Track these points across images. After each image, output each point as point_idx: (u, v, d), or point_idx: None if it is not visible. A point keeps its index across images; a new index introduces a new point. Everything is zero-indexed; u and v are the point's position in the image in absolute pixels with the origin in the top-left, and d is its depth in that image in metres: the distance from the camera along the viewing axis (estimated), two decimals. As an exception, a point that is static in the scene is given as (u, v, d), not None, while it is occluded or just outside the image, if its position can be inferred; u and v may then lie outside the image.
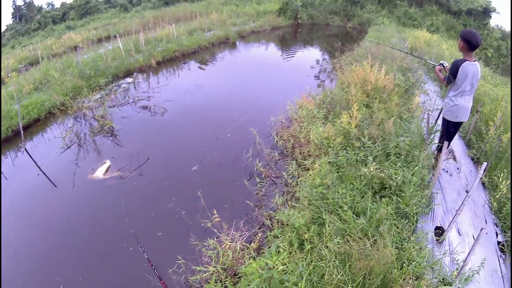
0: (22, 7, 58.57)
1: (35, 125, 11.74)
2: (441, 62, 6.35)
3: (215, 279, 4.85)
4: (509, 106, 8.25)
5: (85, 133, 10.69)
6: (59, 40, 29.72)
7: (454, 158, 7.21)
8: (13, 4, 57.28)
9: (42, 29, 50.65)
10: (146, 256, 4.83)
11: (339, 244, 4.41)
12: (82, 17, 53.18)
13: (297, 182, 6.98)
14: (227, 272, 5.13)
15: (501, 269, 4.49)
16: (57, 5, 58.93)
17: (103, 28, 37.48)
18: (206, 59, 20.98)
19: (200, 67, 19.34)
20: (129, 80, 16.13)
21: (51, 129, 11.39)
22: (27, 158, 9.44)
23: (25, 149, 9.91)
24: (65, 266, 5.92)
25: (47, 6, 60.07)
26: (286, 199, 6.67)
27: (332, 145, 7.18)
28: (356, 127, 7.46)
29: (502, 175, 6.05)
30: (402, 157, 6.17)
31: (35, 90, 13.72)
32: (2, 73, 17.35)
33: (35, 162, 9.13)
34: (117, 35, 22.05)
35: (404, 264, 4.06)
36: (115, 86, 15.10)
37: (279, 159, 8.49)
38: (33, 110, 11.85)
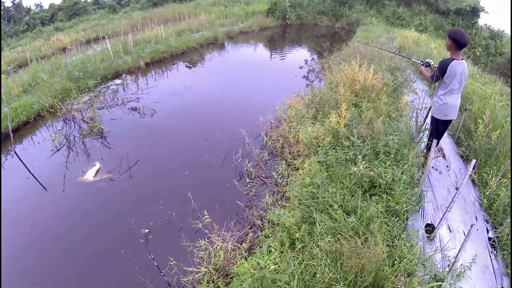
0: (11, 8, 58.12)
1: (24, 128, 11.64)
2: (426, 60, 6.39)
3: (207, 280, 4.84)
4: (497, 104, 8.32)
5: (74, 136, 10.62)
6: (47, 41, 29.44)
7: (444, 156, 7.26)
8: (1, 6, 56.84)
9: (30, 30, 50.23)
10: (156, 263, 4.81)
11: (330, 242, 4.42)
12: (71, 18, 52.80)
13: (287, 181, 6.99)
14: (219, 272, 5.12)
15: (492, 265, 4.53)
16: (46, 6, 58.58)
17: (91, 29, 37.22)
18: (195, 60, 20.96)
19: (188, 68, 19.31)
20: (118, 81, 16.05)
21: (41, 132, 11.31)
22: (16, 161, 9.36)
23: (15, 152, 9.82)
24: (56, 270, 5.88)
25: (35, 7, 59.65)
26: (276, 198, 6.68)
27: (321, 145, 7.20)
28: (345, 126, 7.49)
29: (491, 172, 6.10)
30: (392, 155, 6.20)
31: (24, 93, 13.62)
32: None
33: (25, 165, 9.05)
34: (106, 37, 21.94)
35: (396, 262, 4.08)
36: (104, 87, 15.02)
37: (269, 159, 8.49)
38: (22, 113, 11.75)
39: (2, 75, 15.89)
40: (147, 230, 6.44)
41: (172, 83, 16.21)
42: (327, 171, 6.31)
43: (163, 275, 4.68)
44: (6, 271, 5.80)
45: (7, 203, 7.60)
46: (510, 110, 8.14)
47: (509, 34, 30.32)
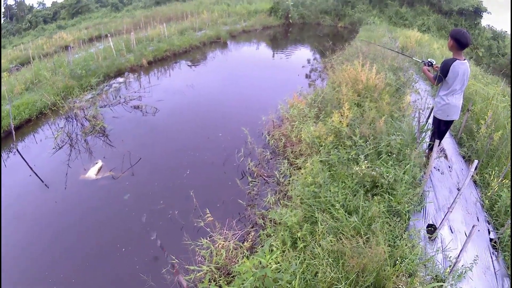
0: (13, 6, 58.21)
1: (26, 125, 11.64)
2: (428, 60, 6.39)
3: (209, 279, 4.85)
4: (500, 105, 8.31)
5: (76, 133, 10.63)
6: (50, 39, 29.50)
7: (446, 157, 7.26)
8: (4, 3, 56.85)
9: (33, 28, 50.31)
10: (159, 243, 4.79)
11: (331, 242, 4.43)
12: (73, 16, 52.84)
13: (289, 181, 6.98)
14: (221, 271, 5.12)
15: (493, 266, 4.53)
16: (48, 4, 58.66)
17: (94, 27, 37.22)
18: (197, 59, 20.97)
19: (191, 67, 19.31)
20: (120, 80, 16.07)
21: (43, 130, 11.32)
22: (18, 159, 9.38)
23: (17, 150, 9.84)
24: (58, 267, 5.89)
25: (38, 5, 59.79)
26: (278, 198, 6.68)
27: (323, 144, 7.19)
28: (347, 126, 7.49)
29: (493, 173, 6.10)
30: (394, 155, 6.20)
31: (26, 90, 13.63)
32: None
33: (27, 163, 9.08)
34: (108, 35, 21.92)
35: (397, 262, 4.08)
36: (106, 86, 15.04)
37: (271, 158, 8.50)
38: (24, 111, 11.76)
39: (4, 73, 15.94)
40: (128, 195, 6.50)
41: (174, 82, 16.22)
42: (329, 171, 6.31)
43: (167, 257, 4.64)
44: (7, 269, 5.81)
45: (8, 200, 7.61)
46: (511, 111, 8.14)
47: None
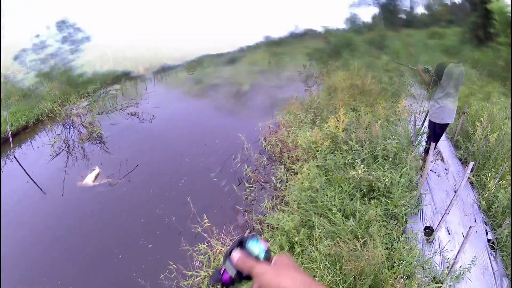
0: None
1: (23, 132, 11.64)
2: (425, 66, 6.41)
3: (207, 284, 4.85)
4: (495, 107, 8.35)
5: (73, 140, 10.62)
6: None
7: (442, 159, 7.28)
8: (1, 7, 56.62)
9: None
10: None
11: (329, 246, 4.44)
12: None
13: (286, 186, 6.99)
14: (219, 276, 5.11)
15: (492, 266, 4.54)
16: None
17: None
18: (194, 65, 20.95)
19: (188, 73, 19.31)
20: (117, 86, 16.07)
21: (40, 136, 11.30)
22: (16, 166, 9.36)
23: (14, 156, 9.83)
24: (55, 274, 5.87)
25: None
26: (275, 203, 6.67)
27: (320, 149, 7.20)
28: (343, 130, 7.50)
29: (490, 174, 6.12)
30: (390, 159, 6.22)
31: (23, 97, 13.64)
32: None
33: (24, 170, 9.05)
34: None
35: (395, 264, 4.10)
36: (103, 92, 15.03)
37: (268, 164, 8.49)
38: (21, 117, 11.77)
39: (1, 80, 15.94)
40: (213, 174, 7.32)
41: (171, 89, 16.22)
42: (326, 175, 6.32)
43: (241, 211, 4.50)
44: (4, 276, 5.80)
45: (6, 207, 7.59)
46: (509, 112, 8.17)
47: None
